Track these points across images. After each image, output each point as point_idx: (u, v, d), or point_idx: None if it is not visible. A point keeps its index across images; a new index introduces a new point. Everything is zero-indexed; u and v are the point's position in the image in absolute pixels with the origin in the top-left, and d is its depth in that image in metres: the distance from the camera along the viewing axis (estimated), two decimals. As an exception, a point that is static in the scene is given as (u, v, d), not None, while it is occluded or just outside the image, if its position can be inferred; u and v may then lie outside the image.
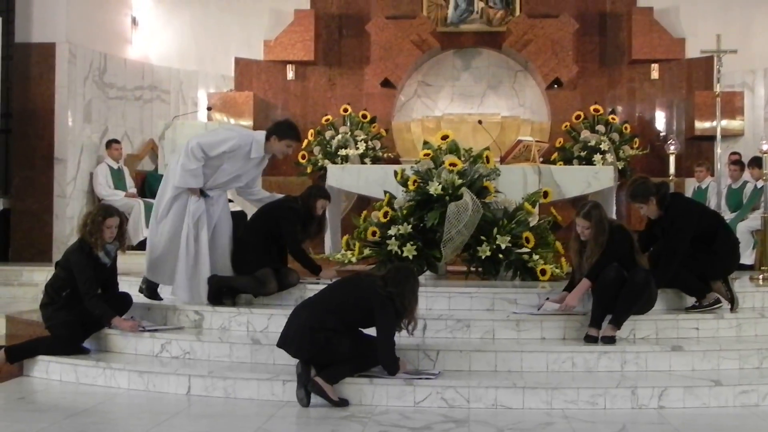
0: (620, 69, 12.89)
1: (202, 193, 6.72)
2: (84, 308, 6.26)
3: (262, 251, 6.72)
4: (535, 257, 7.37)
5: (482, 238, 7.28)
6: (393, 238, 7.27)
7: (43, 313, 6.43)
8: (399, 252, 7.21)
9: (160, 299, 6.92)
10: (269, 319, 6.35)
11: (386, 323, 5.35)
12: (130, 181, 11.18)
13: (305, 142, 12.05)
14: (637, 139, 11.93)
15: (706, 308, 6.36)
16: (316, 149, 11.91)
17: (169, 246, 6.75)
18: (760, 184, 9.71)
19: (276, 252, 6.82)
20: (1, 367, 6.26)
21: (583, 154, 11.59)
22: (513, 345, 5.94)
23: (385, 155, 12.03)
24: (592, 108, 11.99)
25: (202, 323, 6.58)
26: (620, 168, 11.45)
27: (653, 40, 12.57)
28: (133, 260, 9.56)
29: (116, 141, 11.20)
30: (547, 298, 6.34)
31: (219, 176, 6.76)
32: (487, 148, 8.00)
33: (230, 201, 11.73)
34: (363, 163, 11.48)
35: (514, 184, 8.00)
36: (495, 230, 7.29)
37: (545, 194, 7.88)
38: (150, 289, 6.92)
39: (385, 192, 7.76)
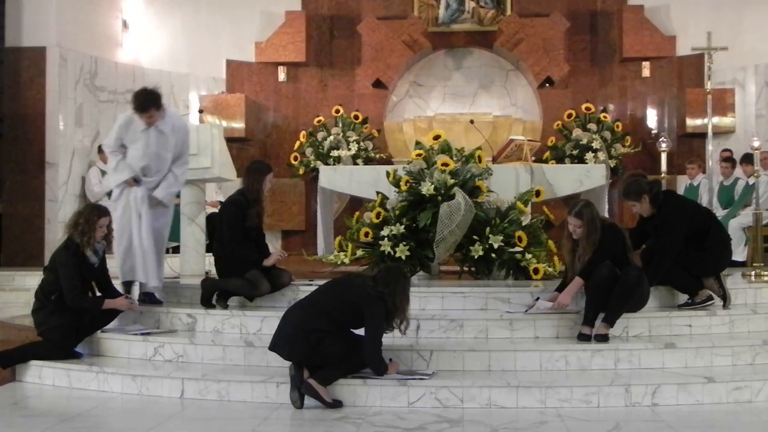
0: (611, 67, 12.91)
1: (136, 181, 6.90)
2: (76, 312, 6.25)
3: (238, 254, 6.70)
4: (528, 256, 7.37)
5: (475, 237, 7.28)
6: (386, 238, 7.27)
7: (35, 318, 6.41)
8: (392, 252, 7.21)
9: (161, 302, 6.96)
10: (262, 321, 6.35)
11: (374, 323, 5.34)
12: (122, 185, 11.15)
13: (297, 143, 12.06)
14: (628, 137, 11.97)
15: (698, 305, 6.38)
16: (308, 150, 11.92)
17: (130, 243, 6.90)
18: (751, 180, 9.74)
19: (254, 249, 6.77)
20: (-6, 373, 6.25)
21: (575, 152, 11.63)
22: (506, 344, 5.94)
23: (378, 156, 12.06)
24: (583, 106, 12.04)
25: (195, 326, 6.57)
26: (612, 166, 11.49)
27: (644, 38, 12.59)
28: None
29: (108, 145, 11.17)
30: (537, 298, 6.34)
31: (137, 162, 6.91)
32: (479, 148, 8.01)
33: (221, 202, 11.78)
34: (355, 163, 11.50)
35: (506, 184, 8.01)
36: (488, 230, 7.30)
37: (537, 193, 7.89)
38: (146, 294, 6.96)
39: (378, 193, 7.76)
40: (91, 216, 6.38)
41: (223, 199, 11.72)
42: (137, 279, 6.94)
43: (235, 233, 6.64)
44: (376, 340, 5.35)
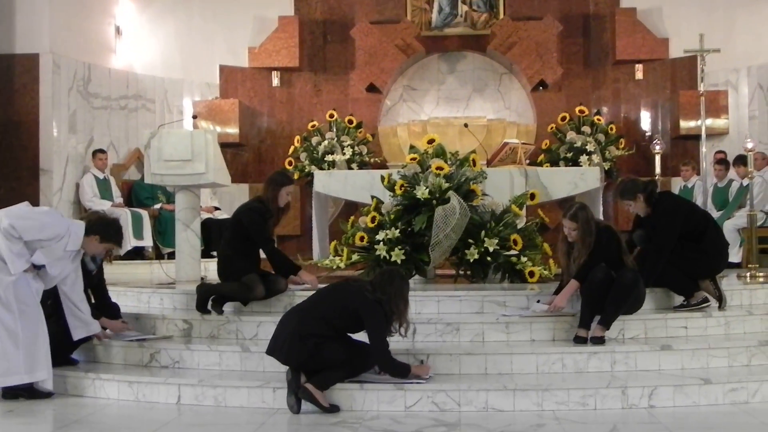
0: (605, 70, 12.94)
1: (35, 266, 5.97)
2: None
3: (241, 258, 6.66)
4: (524, 259, 7.39)
5: (470, 241, 7.29)
6: (381, 242, 7.27)
7: (31, 325, 6.38)
8: (387, 257, 7.21)
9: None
10: (258, 326, 6.34)
11: (375, 329, 5.33)
12: (116, 191, 11.15)
13: (291, 148, 12.07)
14: (622, 140, 11.99)
15: (694, 307, 6.39)
16: (303, 155, 11.92)
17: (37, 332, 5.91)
18: (745, 182, 9.77)
19: (257, 256, 6.77)
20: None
21: (569, 155, 11.64)
22: (503, 347, 5.94)
23: (372, 160, 12.07)
24: (577, 109, 12.06)
25: (191, 332, 6.55)
26: (606, 169, 11.50)
27: (637, 41, 12.62)
28: (122, 270, 9.60)
29: (102, 151, 11.16)
30: (538, 301, 6.34)
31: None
32: (474, 152, 8.02)
33: (217, 209, 11.78)
34: (350, 168, 11.50)
35: (501, 187, 8.03)
36: (483, 233, 7.31)
37: (532, 196, 7.91)
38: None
39: (373, 197, 7.77)
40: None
41: (218, 205, 11.74)
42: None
43: (265, 236, 6.63)
44: (381, 344, 5.34)
